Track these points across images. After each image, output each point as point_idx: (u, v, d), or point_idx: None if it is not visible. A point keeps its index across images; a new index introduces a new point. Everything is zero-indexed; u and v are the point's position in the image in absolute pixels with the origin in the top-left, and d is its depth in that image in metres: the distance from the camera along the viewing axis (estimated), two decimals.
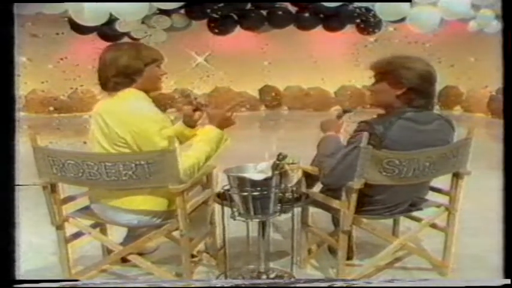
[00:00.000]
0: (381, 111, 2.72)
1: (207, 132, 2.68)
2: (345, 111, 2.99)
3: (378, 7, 7.59)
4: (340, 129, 2.90)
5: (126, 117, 2.53)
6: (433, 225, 2.89)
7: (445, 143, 2.67)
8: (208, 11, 7.75)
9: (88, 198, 2.77)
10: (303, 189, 2.81)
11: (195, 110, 2.87)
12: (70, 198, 2.74)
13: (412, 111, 2.60)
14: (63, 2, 6.78)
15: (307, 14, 8.27)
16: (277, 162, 2.46)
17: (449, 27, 7.86)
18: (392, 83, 2.63)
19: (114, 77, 2.62)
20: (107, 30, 7.80)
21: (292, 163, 2.53)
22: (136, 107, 2.57)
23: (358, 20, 8.05)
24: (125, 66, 2.61)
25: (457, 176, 2.77)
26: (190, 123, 2.88)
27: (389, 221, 3.11)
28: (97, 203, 2.68)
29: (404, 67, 2.62)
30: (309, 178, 2.84)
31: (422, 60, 2.71)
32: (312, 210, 2.95)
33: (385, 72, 2.67)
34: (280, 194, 2.51)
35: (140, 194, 2.56)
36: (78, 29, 7.73)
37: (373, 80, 2.76)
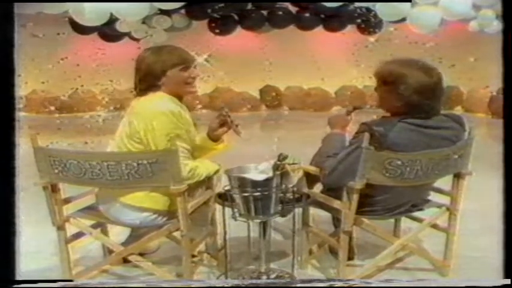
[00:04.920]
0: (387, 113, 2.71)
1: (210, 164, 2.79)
2: (355, 108, 2.97)
3: (378, 7, 7.58)
4: (347, 126, 2.87)
5: (144, 113, 2.57)
6: (434, 226, 2.89)
7: (453, 143, 2.64)
8: (209, 11, 7.73)
9: (95, 196, 2.77)
10: (304, 189, 2.80)
11: (221, 125, 2.88)
12: (71, 199, 2.75)
13: (416, 117, 2.57)
14: (63, 2, 6.77)
15: (307, 14, 8.26)
16: (278, 162, 2.46)
17: (449, 27, 7.84)
18: (393, 95, 2.59)
19: (139, 83, 2.69)
20: (108, 31, 7.79)
21: (293, 163, 2.53)
22: (157, 105, 2.60)
23: (358, 20, 8.03)
24: (145, 73, 2.66)
25: (458, 176, 2.77)
26: (213, 137, 2.89)
27: (390, 221, 3.11)
28: (104, 200, 2.69)
29: (404, 83, 2.53)
30: (309, 178, 2.84)
31: (427, 69, 2.59)
32: (312, 210, 2.94)
33: (386, 82, 2.63)
34: (281, 195, 2.51)
35: (143, 192, 2.57)
36: (79, 29, 7.72)
37: (376, 83, 2.72)
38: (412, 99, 2.54)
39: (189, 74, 2.72)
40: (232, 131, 2.89)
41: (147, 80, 2.66)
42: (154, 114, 2.55)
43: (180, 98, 2.72)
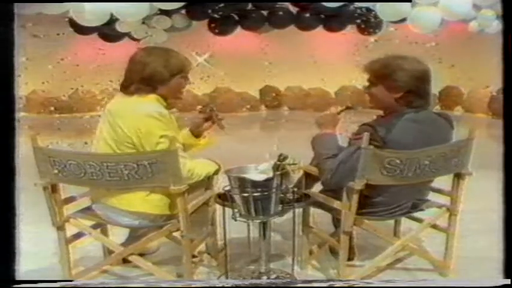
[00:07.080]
0: (380, 112, 2.72)
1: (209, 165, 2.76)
2: (347, 108, 2.95)
3: (378, 7, 7.58)
4: (336, 125, 2.85)
5: (134, 118, 2.52)
6: (434, 226, 2.89)
7: (445, 142, 2.68)
8: (209, 11, 7.73)
9: (90, 199, 2.76)
10: (304, 189, 2.80)
11: (206, 120, 2.89)
12: (71, 199, 2.75)
13: (412, 112, 2.60)
14: (63, 2, 6.77)
15: (307, 15, 8.25)
16: (278, 163, 2.46)
17: (450, 27, 7.84)
18: (390, 87, 2.62)
19: (137, 83, 2.60)
20: (108, 31, 7.79)
21: (293, 164, 2.52)
22: (146, 109, 2.55)
23: (358, 21, 8.03)
24: (150, 75, 2.59)
25: (458, 176, 2.77)
26: (197, 133, 2.90)
27: (390, 222, 3.11)
28: (98, 203, 2.68)
29: (400, 69, 2.60)
30: (309, 178, 2.83)
31: (417, 60, 2.69)
32: (312, 210, 2.94)
33: (381, 76, 2.66)
34: (281, 195, 2.51)
35: (140, 195, 2.55)
36: (79, 29, 7.72)
37: (368, 82, 2.74)
38: (412, 86, 2.59)
39: (186, 81, 2.72)
40: (216, 126, 2.92)
41: (149, 82, 2.59)
42: (144, 118, 2.50)
43: (165, 100, 2.68)
